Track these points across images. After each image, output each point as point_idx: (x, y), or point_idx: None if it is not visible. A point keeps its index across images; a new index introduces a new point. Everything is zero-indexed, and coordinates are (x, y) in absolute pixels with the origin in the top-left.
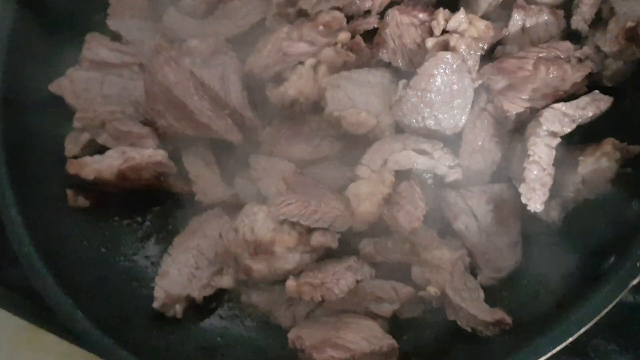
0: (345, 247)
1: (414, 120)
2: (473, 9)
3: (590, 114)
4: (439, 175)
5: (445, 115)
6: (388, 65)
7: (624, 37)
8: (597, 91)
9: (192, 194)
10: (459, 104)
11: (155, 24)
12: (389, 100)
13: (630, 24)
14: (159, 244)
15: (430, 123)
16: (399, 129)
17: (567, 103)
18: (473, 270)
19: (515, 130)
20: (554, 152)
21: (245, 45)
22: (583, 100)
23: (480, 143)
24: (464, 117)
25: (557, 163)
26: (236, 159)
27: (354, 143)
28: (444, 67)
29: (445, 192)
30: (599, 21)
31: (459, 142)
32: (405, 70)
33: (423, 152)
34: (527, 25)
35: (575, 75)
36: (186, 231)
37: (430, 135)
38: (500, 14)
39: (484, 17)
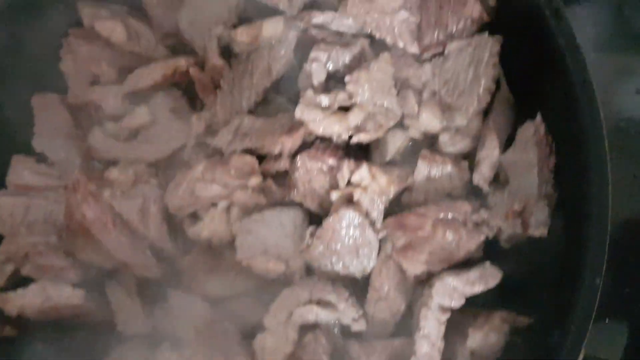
0: None
1: (323, 265)
2: (382, 153)
3: (478, 290)
4: (344, 324)
5: (354, 262)
6: (300, 203)
7: (512, 217)
8: (488, 263)
9: (114, 324)
10: (364, 252)
11: (81, 143)
12: (300, 242)
13: (516, 207)
14: None
15: (338, 268)
16: (310, 269)
17: (458, 276)
18: None
19: (417, 284)
20: (443, 327)
21: (169, 167)
22: (473, 274)
23: (386, 290)
24: (371, 263)
25: (449, 330)
26: (157, 286)
27: (269, 280)
28: (346, 223)
29: (349, 345)
30: (498, 179)
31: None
32: (316, 212)
33: (327, 304)
34: (432, 174)
35: (469, 242)
36: None
37: (339, 278)
38: (409, 158)
39: (393, 160)
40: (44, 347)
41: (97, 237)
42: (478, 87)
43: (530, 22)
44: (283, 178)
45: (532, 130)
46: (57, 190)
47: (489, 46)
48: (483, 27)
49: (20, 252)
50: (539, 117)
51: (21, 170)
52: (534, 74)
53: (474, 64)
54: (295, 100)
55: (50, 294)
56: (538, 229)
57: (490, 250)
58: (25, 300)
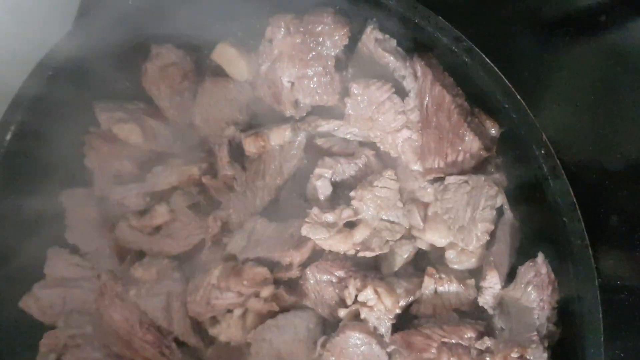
0: None
1: None
2: (390, 264)
3: None
4: None
5: None
6: None
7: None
8: None
9: None
10: None
11: (109, 234)
12: (313, 347)
13: (514, 355)
14: None
15: None
16: None
17: None
18: None
19: None
20: None
21: (190, 260)
22: None
23: None
24: None
25: None
26: None
27: None
28: (353, 342)
29: None
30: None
31: None
32: (328, 319)
33: None
34: (439, 290)
35: None
36: None
37: None
38: (418, 265)
39: (402, 268)
40: None
41: (125, 337)
42: (476, 229)
43: (529, 171)
44: (295, 284)
45: (533, 272)
46: (91, 280)
47: (485, 191)
48: (484, 161)
49: (60, 343)
50: (540, 257)
51: (57, 262)
52: (536, 216)
53: (472, 206)
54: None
55: None
56: None
57: None
58: None
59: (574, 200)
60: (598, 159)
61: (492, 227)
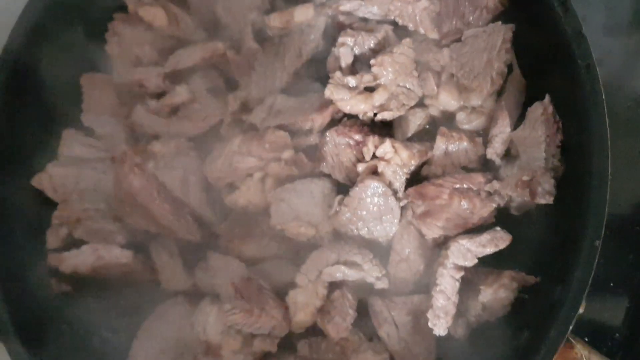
0: (286, 343)
1: (350, 230)
2: (404, 130)
3: (489, 251)
4: (369, 282)
5: (377, 227)
6: (329, 175)
7: (521, 187)
8: (498, 228)
9: (158, 282)
10: (387, 219)
11: (125, 119)
12: (328, 210)
13: (525, 177)
14: (131, 324)
15: (364, 232)
16: (338, 234)
17: (471, 240)
18: None
19: (435, 247)
20: (458, 283)
21: (207, 142)
22: (484, 237)
23: (406, 252)
24: (393, 228)
25: (463, 287)
26: (197, 249)
27: (299, 244)
28: (371, 192)
29: (373, 300)
30: (509, 154)
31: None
32: (344, 183)
33: (353, 264)
34: (450, 149)
35: (482, 210)
36: (153, 316)
37: (364, 242)
38: (428, 134)
39: (414, 136)
40: (96, 302)
41: (143, 204)
42: (491, 70)
43: (540, 12)
44: (313, 151)
45: (541, 109)
46: (105, 162)
47: (502, 33)
48: (497, 16)
49: (72, 217)
50: (547, 98)
51: (71, 143)
52: (543, 59)
53: (488, 50)
54: (323, 82)
55: (102, 254)
56: (544, 198)
57: (502, 218)
58: (79, 260)
59: (582, 30)
60: None
61: (506, 69)
